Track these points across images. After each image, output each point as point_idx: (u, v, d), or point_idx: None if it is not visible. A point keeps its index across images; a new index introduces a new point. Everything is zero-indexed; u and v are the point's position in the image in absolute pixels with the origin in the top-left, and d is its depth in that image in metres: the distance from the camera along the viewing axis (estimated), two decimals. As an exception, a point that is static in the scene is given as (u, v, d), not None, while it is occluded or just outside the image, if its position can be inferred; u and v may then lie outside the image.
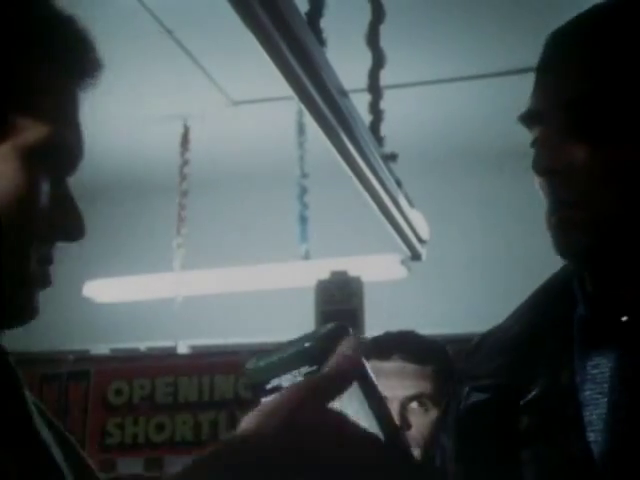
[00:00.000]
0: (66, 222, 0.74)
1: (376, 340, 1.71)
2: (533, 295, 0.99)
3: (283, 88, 1.76)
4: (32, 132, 0.70)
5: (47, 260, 0.74)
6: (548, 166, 0.86)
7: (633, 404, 0.83)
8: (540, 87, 0.90)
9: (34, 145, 0.70)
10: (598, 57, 0.86)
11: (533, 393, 0.89)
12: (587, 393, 0.86)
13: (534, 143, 0.90)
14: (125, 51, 3.36)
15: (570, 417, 0.86)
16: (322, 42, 1.77)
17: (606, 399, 0.85)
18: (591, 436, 0.84)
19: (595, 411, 0.85)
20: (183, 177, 4.16)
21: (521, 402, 0.90)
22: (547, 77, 0.89)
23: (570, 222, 0.86)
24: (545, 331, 0.92)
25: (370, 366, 1.78)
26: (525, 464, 0.87)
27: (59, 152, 0.73)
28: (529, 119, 0.91)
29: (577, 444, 0.84)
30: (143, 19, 3.14)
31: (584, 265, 0.91)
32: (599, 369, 0.87)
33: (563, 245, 0.88)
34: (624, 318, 0.86)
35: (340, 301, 3.13)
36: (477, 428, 0.92)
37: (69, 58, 0.75)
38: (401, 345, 1.64)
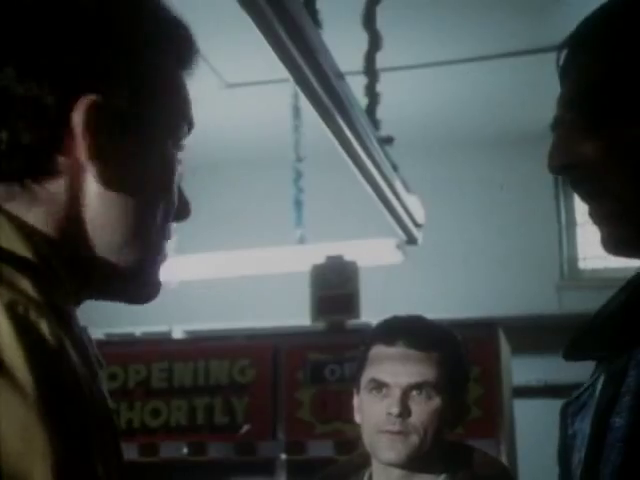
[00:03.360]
0: (180, 204, 0.82)
1: (383, 324, 1.69)
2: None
3: (278, 70, 1.73)
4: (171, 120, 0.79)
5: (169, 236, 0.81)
6: (562, 162, 0.87)
7: None
8: (560, 93, 0.91)
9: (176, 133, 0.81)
10: (610, 55, 0.86)
11: (594, 377, 0.92)
12: (629, 379, 0.87)
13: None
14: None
15: (605, 401, 0.87)
16: (318, 24, 1.75)
17: None
18: (616, 421, 0.85)
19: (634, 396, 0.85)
20: (177, 161, 4.14)
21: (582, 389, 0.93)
22: (563, 82, 0.91)
23: (598, 217, 0.86)
24: (607, 322, 0.92)
25: (375, 351, 1.75)
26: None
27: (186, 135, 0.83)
28: (553, 128, 0.92)
29: (597, 427, 0.86)
30: None
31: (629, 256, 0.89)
32: None
33: (603, 241, 0.87)
34: None
35: (336, 286, 3.12)
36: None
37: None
38: (407, 331, 1.62)
